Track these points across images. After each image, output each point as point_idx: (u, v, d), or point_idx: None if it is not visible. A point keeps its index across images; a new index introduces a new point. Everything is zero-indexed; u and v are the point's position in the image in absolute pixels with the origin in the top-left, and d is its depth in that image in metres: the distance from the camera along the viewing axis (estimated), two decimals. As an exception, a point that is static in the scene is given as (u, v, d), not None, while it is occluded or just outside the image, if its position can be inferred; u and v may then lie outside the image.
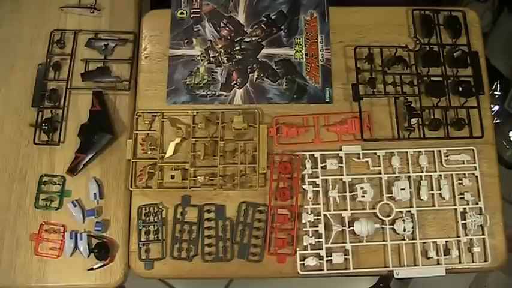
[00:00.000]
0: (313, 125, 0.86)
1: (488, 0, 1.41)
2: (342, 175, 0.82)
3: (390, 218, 0.81)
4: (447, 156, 0.84)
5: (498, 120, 1.46)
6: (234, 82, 0.89)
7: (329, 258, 0.79)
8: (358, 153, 0.84)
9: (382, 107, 0.87)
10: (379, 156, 0.84)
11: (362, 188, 0.81)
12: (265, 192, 0.82)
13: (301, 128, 0.85)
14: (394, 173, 0.83)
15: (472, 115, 0.86)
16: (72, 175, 0.83)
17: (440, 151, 0.84)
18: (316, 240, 0.80)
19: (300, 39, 0.91)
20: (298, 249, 0.80)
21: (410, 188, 0.82)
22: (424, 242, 0.81)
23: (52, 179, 0.84)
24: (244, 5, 0.93)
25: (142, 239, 0.81)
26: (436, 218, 0.82)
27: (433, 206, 0.82)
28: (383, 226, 0.81)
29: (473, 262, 0.80)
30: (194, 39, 0.91)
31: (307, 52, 0.90)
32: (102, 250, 0.79)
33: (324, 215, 0.80)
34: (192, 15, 0.92)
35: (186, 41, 0.91)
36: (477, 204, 0.82)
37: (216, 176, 0.83)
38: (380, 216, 0.81)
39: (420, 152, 0.84)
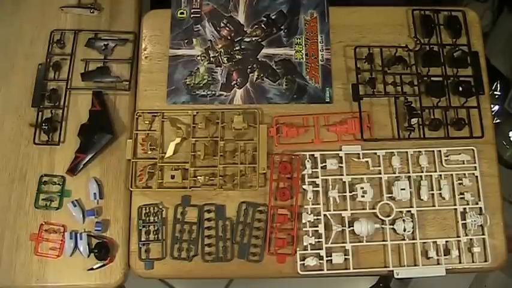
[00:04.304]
0: (313, 125, 0.86)
1: (488, 0, 1.41)
2: (342, 175, 0.82)
3: (390, 218, 0.81)
4: (447, 156, 0.84)
5: (498, 120, 1.46)
6: (234, 82, 0.89)
7: (329, 258, 0.79)
8: (358, 153, 0.84)
9: (382, 107, 0.87)
10: (379, 156, 0.84)
11: (362, 188, 0.81)
12: (265, 192, 0.82)
13: (301, 128, 0.85)
14: (394, 173, 0.83)
15: (472, 115, 0.86)
16: (72, 175, 0.83)
17: (440, 151, 0.84)
18: (316, 240, 0.80)
19: (300, 39, 0.91)
20: (298, 249, 0.80)
21: (410, 188, 0.82)
22: (424, 242, 0.81)
23: (52, 179, 0.84)
24: (244, 5, 0.93)
25: (143, 239, 0.81)
26: (436, 218, 0.82)
27: (433, 206, 0.82)
28: (383, 226, 0.81)
29: (473, 262, 0.80)
30: (194, 39, 0.91)
31: (307, 52, 0.90)
32: (102, 250, 0.79)
33: (324, 215, 0.80)
34: (192, 15, 0.92)
35: (186, 41, 0.91)
36: (477, 204, 0.82)
37: (216, 176, 0.83)
38: (380, 216, 0.81)
39: (420, 152, 0.84)
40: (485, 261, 0.80)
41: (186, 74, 0.89)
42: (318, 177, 0.82)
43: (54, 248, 0.81)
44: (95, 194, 0.82)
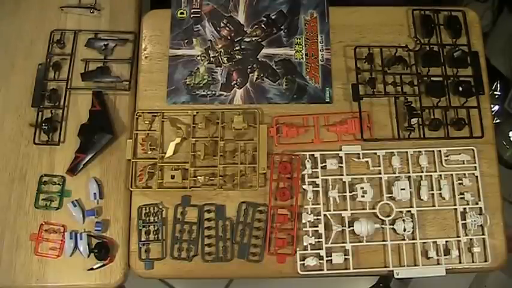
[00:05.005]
0: (313, 125, 0.86)
1: (488, 0, 1.41)
2: (342, 175, 0.82)
3: (390, 218, 0.81)
4: (447, 156, 0.84)
5: (498, 120, 1.46)
6: (234, 82, 0.89)
7: (329, 258, 0.79)
8: (358, 153, 0.84)
9: (382, 107, 0.87)
10: (379, 156, 0.84)
11: (362, 188, 0.81)
12: (265, 192, 0.82)
13: (301, 128, 0.85)
14: (394, 173, 0.83)
15: (472, 115, 0.86)
16: (72, 175, 0.83)
17: (440, 151, 0.84)
18: (316, 240, 0.80)
19: (300, 39, 0.91)
20: (298, 249, 0.80)
21: (410, 188, 0.82)
22: (424, 242, 0.81)
23: (52, 179, 0.84)
24: (244, 5, 0.93)
25: (142, 239, 0.81)
26: (436, 218, 0.82)
27: (433, 206, 0.82)
28: (383, 226, 0.81)
29: (473, 262, 0.80)
30: (194, 39, 0.91)
31: (307, 52, 0.90)
32: (102, 250, 0.79)
33: (324, 215, 0.80)
34: (192, 15, 0.92)
35: (186, 41, 0.91)
36: (477, 204, 0.82)
37: (216, 176, 0.83)
38: (380, 216, 0.81)
39: (420, 152, 0.84)
40: (485, 261, 0.80)
41: (186, 74, 0.89)
42: (318, 177, 0.82)
43: (54, 248, 0.81)
44: (95, 194, 0.82)
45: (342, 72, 0.89)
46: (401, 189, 0.81)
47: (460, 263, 0.80)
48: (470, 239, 0.81)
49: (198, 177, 0.83)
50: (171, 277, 1.31)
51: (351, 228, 0.80)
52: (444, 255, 0.80)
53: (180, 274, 0.83)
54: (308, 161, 0.82)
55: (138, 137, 0.86)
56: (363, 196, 0.81)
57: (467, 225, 0.81)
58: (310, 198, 0.81)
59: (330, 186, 0.82)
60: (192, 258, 0.81)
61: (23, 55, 0.90)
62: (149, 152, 0.84)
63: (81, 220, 0.82)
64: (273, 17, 0.92)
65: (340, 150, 0.84)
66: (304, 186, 0.82)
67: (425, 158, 0.83)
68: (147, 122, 0.86)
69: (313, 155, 0.84)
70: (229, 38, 0.91)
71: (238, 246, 0.81)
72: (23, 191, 0.84)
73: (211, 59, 0.90)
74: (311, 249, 0.79)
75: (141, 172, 0.83)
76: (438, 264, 0.80)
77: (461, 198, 0.82)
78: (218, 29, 0.92)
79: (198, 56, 0.90)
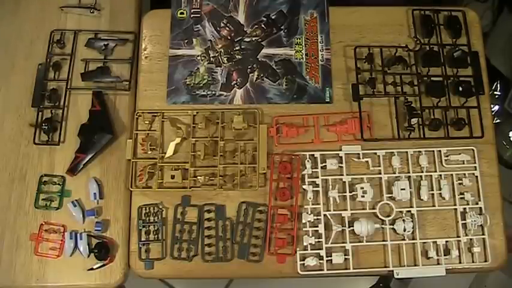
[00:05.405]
0: (313, 125, 0.86)
1: (488, 0, 1.41)
2: (342, 175, 0.82)
3: (390, 218, 0.81)
4: (447, 156, 0.84)
5: (498, 120, 1.46)
6: (234, 82, 0.89)
7: (329, 258, 0.79)
8: (358, 153, 0.84)
9: (382, 107, 0.87)
10: (379, 156, 0.84)
11: (362, 188, 0.81)
12: (265, 192, 0.82)
13: (301, 128, 0.85)
14: (394, 173, 0.83)
15: (472, 115, 0.86)
16: (72, 175, 0.83)
17: (440, 151, 0.84)
18: (316, 240, 0.80)
19: (300, 39, 0.91)
20: (298, 249, 0.80)
21: (410, 188, 0.82)
22: (424, 242, 0.81)
23: (52, 179, 0.84)
24: (244, 5, 0.93)
25: (142, 239, 0.81)
26: (436, 218, 0.82)
27: (433, 206, 0.82)
28: (383, 226, 0.81)
29: (473, 262, 0.80)
30: (194, 39, 0.91)
31: (307, 52, 0.90)
32: (102, 250, 0.79)
33: (324, 215, 0.80)
34: (192, 15, 0.92)
35: (186, 41, 0.91)
36: (477, 204, 0.82)
37: (216, 176, 0.83)
38: (380, 216, 0.81)
39: (420, 152, 0.84)
40: (485, 261, 0.80)
41: (186, 74, 0.89)
42: (318, 177, 0.82)
43: (54, 248, 0.81)
44: (95, 194, 0.82)
45: (342, 72, 0.89)
46: (401, 189, 0.81)
47: (460, 263, 0.80)
48: (470, 239, 0.81)
49: (198, 177, 0.83)
50: (171, 277, 1.31)
51: (351, 228, 0.80)
52: (444, 255, 0.80)
53: (180, 274, 0.83)
54: (308, 161, 0.82)
55: (138, 137, 0.86)
56: (363, 196, 0.81)
57: (467, 225, 0.81)
58: (310, 198, 0.81)
59: (330, 186, 0.82)
60: (192, 258, 0.81)
61: (23, 55, 0.91)
62: (149, 152, 0.84)
63: (81, 220, 0.82)
64: (273, 17, 0.92)
65: (340, 150, 0.84)
66: (304, 186, 0.82)
67: (425, 158, 0.83)
68: (147, 122, 0.86)
69: (313, 155, 0.84)
70: (229, 38, 0.91)
71: (238, 246, 0.81)
72: (23, 191, 0.84)
73: (211, 59, 0.90)
74: (311, 249, 0.79)
75: (141, 172, 0.83)
76: (438, 264, 0.80)
77: (461, 198, 0.82)
78: (218, 29, 0.92)
79: (198, 56, 0.90)
